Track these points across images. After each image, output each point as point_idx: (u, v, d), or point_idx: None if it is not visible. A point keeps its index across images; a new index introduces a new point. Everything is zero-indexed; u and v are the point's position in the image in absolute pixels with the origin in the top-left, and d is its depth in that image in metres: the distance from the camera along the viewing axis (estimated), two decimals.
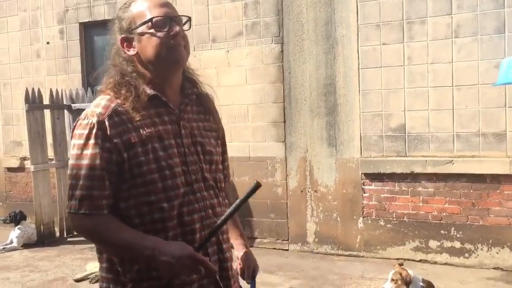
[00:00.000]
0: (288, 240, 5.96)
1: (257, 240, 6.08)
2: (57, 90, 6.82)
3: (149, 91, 1.62)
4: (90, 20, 7.06)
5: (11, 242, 6.44)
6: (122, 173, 1.56)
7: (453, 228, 5.14)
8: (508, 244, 4.93)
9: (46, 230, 6.65)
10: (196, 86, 1.77)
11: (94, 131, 1.54)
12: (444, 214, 5.16)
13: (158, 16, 1.62)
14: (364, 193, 5.51)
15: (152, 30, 1.61)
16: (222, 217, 1.59)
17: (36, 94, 6.61)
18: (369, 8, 5.37)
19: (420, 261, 5.25)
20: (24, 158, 7.49)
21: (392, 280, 3.88)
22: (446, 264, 5.15)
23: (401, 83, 5.27)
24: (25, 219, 6.62)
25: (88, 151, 1.54)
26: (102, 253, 1.65)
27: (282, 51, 5.83)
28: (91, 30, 7.19)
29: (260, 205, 5.99)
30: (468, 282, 4.71)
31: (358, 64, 5.45)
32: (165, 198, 1.57)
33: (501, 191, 4.93)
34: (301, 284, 4.87)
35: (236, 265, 1.86)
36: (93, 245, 1.77)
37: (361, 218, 5.54)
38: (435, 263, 5.19)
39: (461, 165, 5.02)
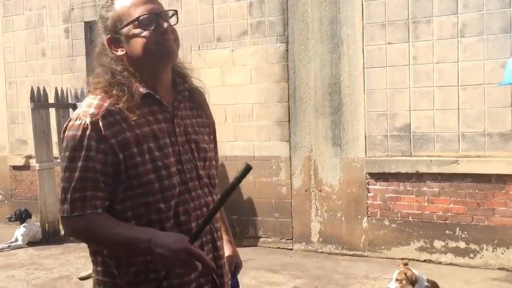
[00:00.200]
0: (292, 239, 5.96)
1: (261, 239, 6.09)
2: (62, 88, 6.84)
3: (142, 89, 1.58)
4: (96, 19, 7.05)
5: (16, 240, 6.47)
6: (118, 174, 1.53)
7: (458, 228, 5.12)
8: None
9: (51, 228, 6.67)
10: (186, 80, 1.73)
11: (87, 132, 1.50)
12: (449, 214, 5.14)
13: (144, 14, 1.57)
14: (369, 192, 5.50)
15: (139, 30, 1.57)
16: (214, 204, 1.53)
17: (42, 92, 6.64)
18: (374, 8, 5.36)
19: (424, 261, 5.23)
20: (29, 157, 7.51)
21: (397, 280, 3.87)
22: (451, 264, 5.13)
23: (406, 83, 5.25)
24: (30, 217, 6.66)
25: (82, 153, 1.50)
26: (97, 255, 1.61)
27: (287, 50, 5.83)
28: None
29: (264, 204, 5.99)
30: (473, 283, 4.70)
31: (363, 64, 5.44)
32: (162, 198, 1.55)
33: (507, 191, 4.90)
34: (305, 283, 4.87)
35: None
36: None
37: (365, 218, 5.53)
38: (440, 263, 5.17)
39: (466, 165, 5.00)
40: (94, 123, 1.50)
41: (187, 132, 1.66)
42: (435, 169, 5.12)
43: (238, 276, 1.88)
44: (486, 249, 5.01)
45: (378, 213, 5.47)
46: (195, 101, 1.75)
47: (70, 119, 1.57)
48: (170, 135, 1.61)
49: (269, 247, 6.01)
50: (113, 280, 1.58)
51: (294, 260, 5.57)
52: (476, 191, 5.02)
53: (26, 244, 6.45)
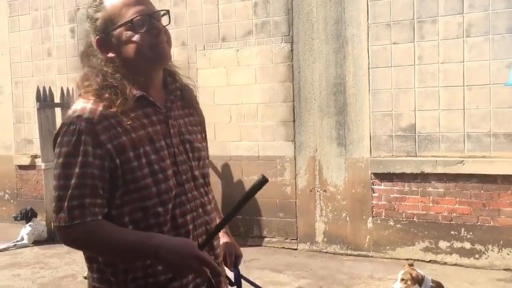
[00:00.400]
0: (296, 239, 5.95)
1: (266, 239, 6.09)
2: (68, 88, 6.87)
3: (136, 92, 1.54)
4: None
5: (22, 239, 6.50)
6: (115, 179, 1.49)
7: (463, 229, 5.10)
8: None
9: None
10: (177, 79, 1.70)
11: (83, 137, 1.45)
12: (454, 214, 5.13)
13: (136, 16, 1.52)
14: (374, 193, 5.49)
15: (131, 32, 1.53)
16: (225, 215, 1.51)
17: (47, 92, 6.67)
18: (379, 7, 5.35)
19: (429, 261, 5.22)
20: (35, 156, 7.55)
21: (402, 280, 3.87)
22: (456, 265, 5.11)
23: (412, 83, 5.24)
24: (35, 216, 6.69)
25: (78, 159, 1.45)
26: (92, 262, 1.58)
27: (291, 50, 5.83)
28: None
29: (269, 204, 5.99)
30: (478, 283, 4.68)
31: (368, 64, 5.43)
32: (159, 202, 1.53)
33: None
34: (309, 283, 4.87)
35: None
36: None
37: (370, 218, 5.52)
38: (445, 263, 5.16)
39: (471, 166, 4.98)
40: (89, 128, 1.46)
41: (181, 133, 1.64)
42: (440, 170, 5.11)
43: (243, 273, 1.88)
44: (492, 250, 4.99)
45: (383, 213, 5.46)
46: (186, 99, 1.72)
47: (63, 124, 1.51)
48: (165, 137, 1.58)
49: (274, 247, 6.01)
50: (110, 287, 1.55)
51: (299, 260, 5.57)
52: (482, 191, 5.01)
53: (32, 243, 6.48)
